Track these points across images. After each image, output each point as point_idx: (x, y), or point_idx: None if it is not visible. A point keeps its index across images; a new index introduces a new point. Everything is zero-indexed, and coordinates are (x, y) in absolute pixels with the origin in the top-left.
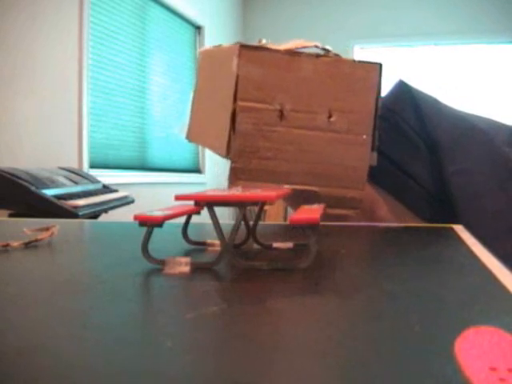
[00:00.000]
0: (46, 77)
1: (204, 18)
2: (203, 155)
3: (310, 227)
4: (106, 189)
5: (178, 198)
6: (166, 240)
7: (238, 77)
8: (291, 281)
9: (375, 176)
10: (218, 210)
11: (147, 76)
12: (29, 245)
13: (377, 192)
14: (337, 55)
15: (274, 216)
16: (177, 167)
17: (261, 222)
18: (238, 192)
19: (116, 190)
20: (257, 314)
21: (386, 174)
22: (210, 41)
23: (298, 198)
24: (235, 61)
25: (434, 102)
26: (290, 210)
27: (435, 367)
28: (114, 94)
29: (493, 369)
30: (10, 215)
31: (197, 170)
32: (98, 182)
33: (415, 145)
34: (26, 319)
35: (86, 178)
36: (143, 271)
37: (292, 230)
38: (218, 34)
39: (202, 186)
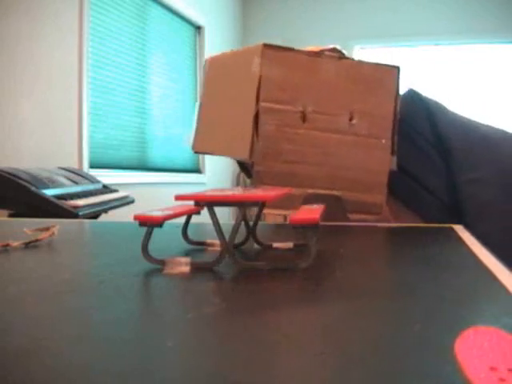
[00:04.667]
0: (46, 77)
1: (204, 18)
2: (203, 155)
3: (310, 227)
4: (106, 189)
5: (177, 198)
6: (166, 240)
7: (260, 77)
8: (291, 281)
9: (391, 187)
10: (217, 209)
11: (147, 76)
12: (29, 245)
13: (394, 204)
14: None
15: (274, 216)
16: (177, 167)
17: (261, 222)
18: (238, 192)
19: (116, 190)
20: (257, 313)
21: (402, 186)
22: (210, 41)
23: (319, 203)
24: (257, 61)
25: (445, 111)
26: None
27: (435, 367)
28: (114, 94)
29: (493, 369)
30: (10, 215)
31: (197, 170)
32: (98, 182)
33: (430, 156)
34: (26, 319)
35: (86, 178)
36: (143, 271)
37: (292, 230)
38: (218, 34)
39: (202, 186)
